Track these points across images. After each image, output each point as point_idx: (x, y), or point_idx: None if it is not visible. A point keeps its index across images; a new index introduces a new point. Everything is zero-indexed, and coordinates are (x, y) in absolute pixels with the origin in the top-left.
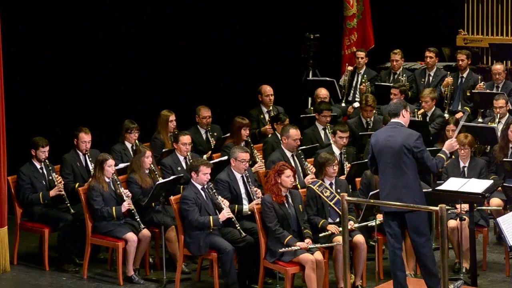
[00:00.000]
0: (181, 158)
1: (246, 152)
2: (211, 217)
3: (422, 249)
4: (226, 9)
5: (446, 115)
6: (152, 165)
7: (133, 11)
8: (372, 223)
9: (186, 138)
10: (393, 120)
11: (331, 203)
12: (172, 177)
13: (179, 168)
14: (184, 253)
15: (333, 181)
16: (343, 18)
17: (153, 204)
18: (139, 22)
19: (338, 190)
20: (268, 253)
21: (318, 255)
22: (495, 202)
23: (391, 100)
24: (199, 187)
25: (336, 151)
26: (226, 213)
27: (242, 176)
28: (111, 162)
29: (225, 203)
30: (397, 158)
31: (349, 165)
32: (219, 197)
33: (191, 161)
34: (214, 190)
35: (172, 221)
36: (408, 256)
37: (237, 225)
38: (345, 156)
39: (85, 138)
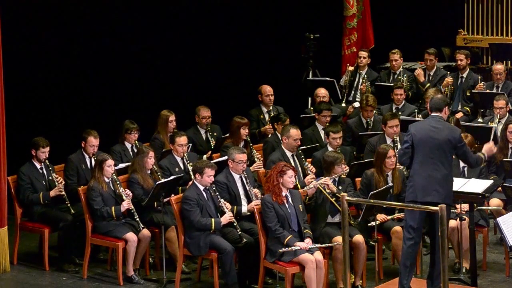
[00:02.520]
0: (178, 159)
1: (243, 153)
2: (213, 219)
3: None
4: (226, 9)
5: None
6: (154, 166)
7: (133, 11)
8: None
9: (182, 139)
10: (434, 113)
11: (332, 199)
12: (172, 177)
13: (176, 169)
14: (184, 253)
15: (337, 179)
16: (343, 18)
17: (155, 204)
18: (139, 23)
19: (340, 187)
20: (268, 253)
21: (318, 255)
22: (495, 202)
23: (397, 100)
24: (202, 188)
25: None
26: (228, 217)
27: (241, 177)
28: (110, 162)
29: (227, 206)
30: (440, 150)
31: (345, 166)
32: (222, 200)
33: (188, 161)
34: (217, 193)
35: (172, 221)
36: None
37: (238, 230)
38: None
39: (94, 142)
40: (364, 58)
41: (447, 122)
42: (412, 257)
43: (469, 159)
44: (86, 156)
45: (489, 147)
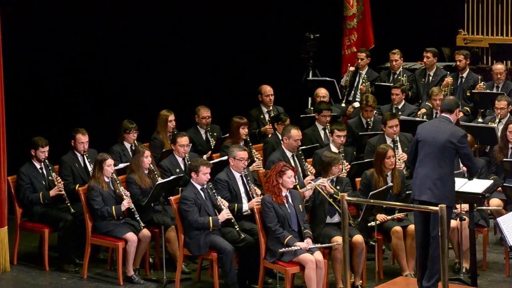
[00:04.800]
0: (180, 160)
1: (244, 151)
2: (210, 218)
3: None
4: (226, 9)
5: None
6: (151, 165)
7: (132, 11)
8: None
9: (184, 140)
10: (444, 114)
11: (330, 200)
12: (172, 177)
13: (177, 170)
14: (184, 253)
15: (335, 179)
16: (343, 18)
17: (152, 204)
18: (138, 22)
19: (338, 187)
20: (268, 253)
21: (318, 255)
22: (495, 202)
23: (392, 100)
24: (199, 187)
25: (335, 150)
26: (225, 214)
27: (241, 175)
28: (110, 161)
29: (224, 204)
30: (439, 150)
31: (347, 164)
32: (219, 197)
33: (189, 162)
34: (214, 191)
35: (172, 221)
36: (408, 256)
37: (236, 227)
38: (343, 155)
39: (82, 139)
40: (362, 59)
41: (451, 123)
42: (421, 242)
43: (472, 162)
44: (78, 155)
45: None
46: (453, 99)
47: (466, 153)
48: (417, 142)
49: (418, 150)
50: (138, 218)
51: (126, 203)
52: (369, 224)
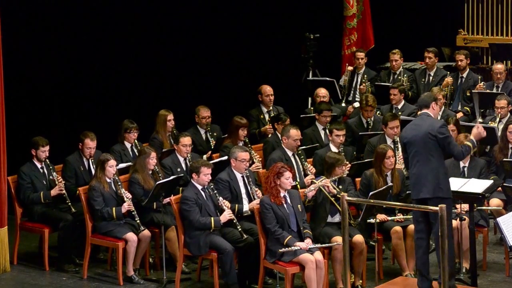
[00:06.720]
0: (181, 159)
1: (246, 152)
2: (212, 218)
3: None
4: (226, 9)
5: None
6: (156, 167)
7: (132, 11)
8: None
9: (186, 140)
10: (422, 111)
11: (332, 199)
12: (172, 177)
13: (178, 169)
14: (184, 253)
15: (337, 179)
16: (343, 18)
17: (154, 205)
18: (138, 22)
19: (340, 187)
20: (268, 253)
21: (318, 255)
22: (495, 202)
23: (391, 100)
24: (200, 187)
25: (334, 150)
26: (227, 215)
27: (243, 176)
28: (112, 162)
29: (226, 204)
30: (422, 146)
31: (348, 163)
32: (220, 198)
33: (191, 162)
34: (215, 191)
35: (172, 221)
36: (408, 256)
37: (238, 227)
38: (342, 154)
39: (90, 144)
40: (362, 59)
41: (431, 117)
42: (417, 250)
43: (453, 151)
44: (84, 158)
45: (477, 132)
46: (426, 94)
47: (448, 142)
48: (404, 145)
49: (407, 152)
50: (138, 221)
51: (127, 205)
52: (368, 220)
